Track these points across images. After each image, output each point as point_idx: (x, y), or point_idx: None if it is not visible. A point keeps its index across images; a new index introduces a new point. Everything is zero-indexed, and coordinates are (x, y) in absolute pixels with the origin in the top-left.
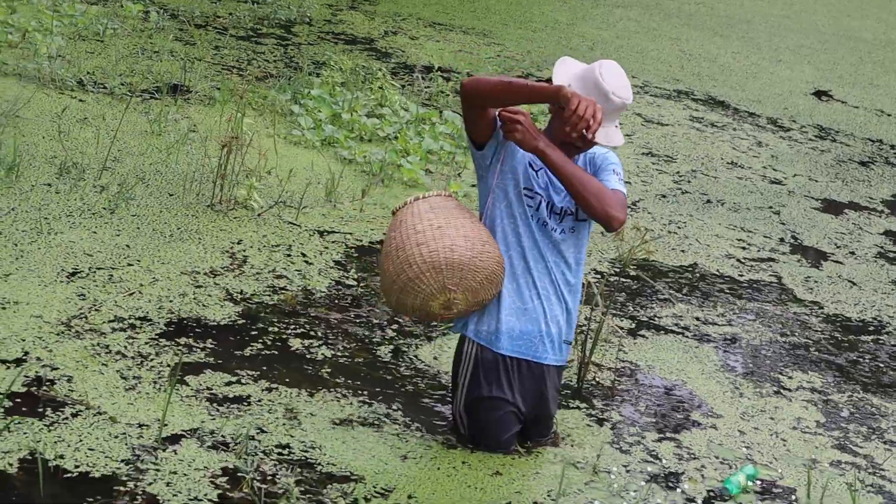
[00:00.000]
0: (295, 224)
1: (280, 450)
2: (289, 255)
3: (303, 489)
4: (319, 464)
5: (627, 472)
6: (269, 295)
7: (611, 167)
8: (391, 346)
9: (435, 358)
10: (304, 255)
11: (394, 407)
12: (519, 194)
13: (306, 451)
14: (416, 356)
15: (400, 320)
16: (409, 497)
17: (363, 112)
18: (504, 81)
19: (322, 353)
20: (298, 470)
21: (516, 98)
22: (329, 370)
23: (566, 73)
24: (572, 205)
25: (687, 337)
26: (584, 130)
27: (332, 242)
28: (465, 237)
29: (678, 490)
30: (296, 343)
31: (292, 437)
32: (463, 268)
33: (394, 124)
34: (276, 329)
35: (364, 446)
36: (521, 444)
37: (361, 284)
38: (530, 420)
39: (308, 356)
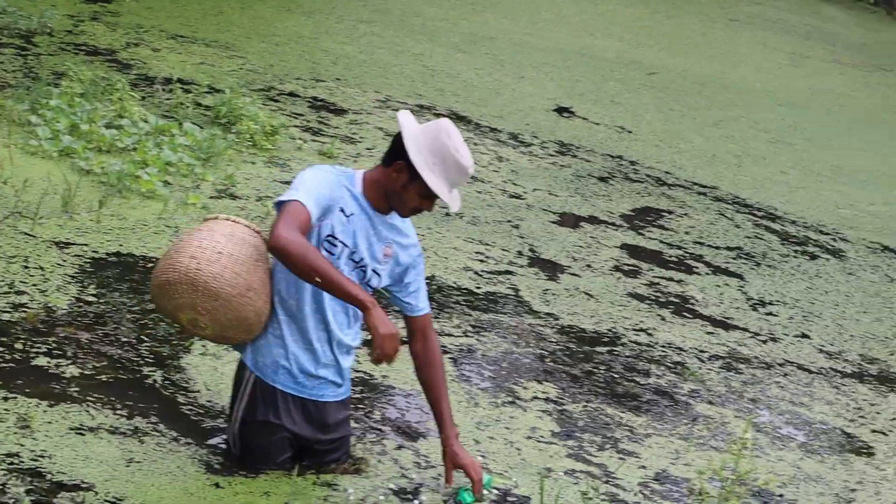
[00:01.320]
0: (31, 235)
1: (10, 459)
2: (26, 268)
3: (33, 499)
4: (50, 472)
5: (367, 480)
6: (10, 312)
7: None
8: (147, 363)
9: (196, 370)
10: (41, 268)
11: (151, 419)
12: (320, 240)
13: (36, 460)
14: (174, 372)
15: (152, 338)
16: None
17: (102, 123)
18: (318, 274)
19: (70, 371)
20: (29, 479)
21: (326, 290)
22: (77, 388)
23: (418, 147)
24: (377, 264)
25: None
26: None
27: (70, 255)
28: (235, 274)
29: (416, 503)
30: (42, 360)
31: (22, 445)
32: (217, 298)
33: (133, 136)
34: (21, 346)
35: (95, 452)
36: (318, 470)
37: (102, 301)
38: (322, 447)
39: (53, 372)
